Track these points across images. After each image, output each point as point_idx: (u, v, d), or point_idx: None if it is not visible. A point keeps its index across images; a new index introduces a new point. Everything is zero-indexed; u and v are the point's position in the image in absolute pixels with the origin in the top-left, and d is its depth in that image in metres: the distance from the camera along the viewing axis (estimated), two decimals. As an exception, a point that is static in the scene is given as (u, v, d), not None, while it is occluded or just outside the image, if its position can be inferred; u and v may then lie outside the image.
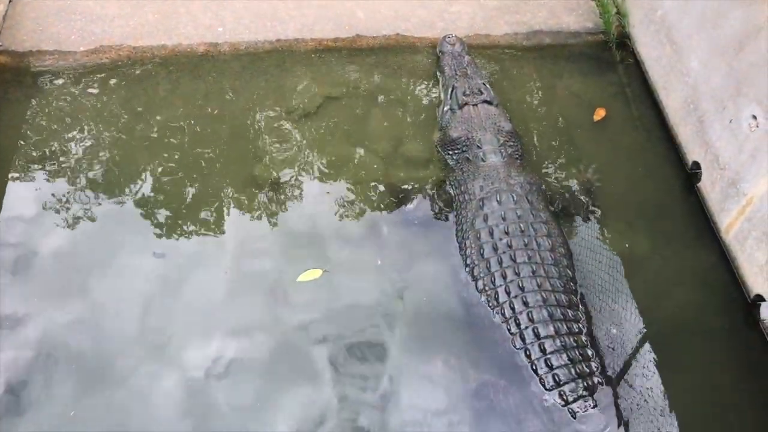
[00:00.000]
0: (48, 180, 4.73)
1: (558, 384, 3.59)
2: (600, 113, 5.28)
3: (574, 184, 4.88)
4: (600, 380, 3.67)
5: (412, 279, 4.30)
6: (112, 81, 5.35)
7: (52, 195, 4.64)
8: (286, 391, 3.82)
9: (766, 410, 3.83)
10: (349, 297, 4.22)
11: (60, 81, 5.30)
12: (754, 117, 4.08)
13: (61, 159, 4.86)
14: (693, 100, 4.77)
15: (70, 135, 5.01)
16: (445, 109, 5.10)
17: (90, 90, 5.28)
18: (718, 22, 4.47)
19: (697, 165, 4.72)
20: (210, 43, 5.59)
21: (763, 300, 4.01)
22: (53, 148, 4.91)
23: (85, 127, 5.06)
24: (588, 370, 3.66)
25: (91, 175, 4.77)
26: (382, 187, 4.80)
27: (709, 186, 4.58)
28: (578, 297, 4.05)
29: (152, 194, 4.70)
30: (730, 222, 4.33)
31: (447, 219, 4.57)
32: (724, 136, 4.39)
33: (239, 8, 5.82)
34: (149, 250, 4.37)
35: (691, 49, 4.81)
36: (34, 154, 4.88)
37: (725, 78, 4.39)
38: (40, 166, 4.80)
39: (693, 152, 4.78)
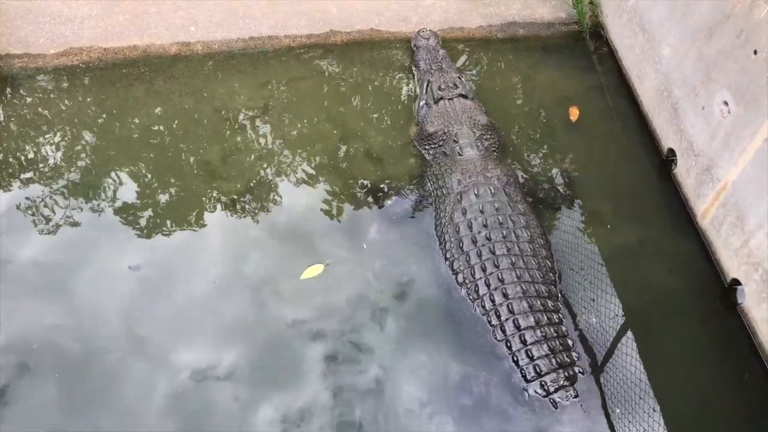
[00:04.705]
0: (20, 185, 4.66)
1: (539, 374, 3.61)
2: (574, 113, 5.29)
3: (551, 174, 4.89)
4: (581, 370, 3.69)
5: (394, 276, 4.29)
6: (83, 84, 5.28)
7: (26, 199, 4.57)
8: (275, 388, 3.81)
9: (744, 391, 3.88)
10: (335, 293, 4.21)
11: (30, 84, 5.22)
12: (726, 103, 4.12)
13: (32, 163, 4.79)
14: (666, 87, 4.80)
15: (40, 139, 4.94)
16: (421, 103, 5.10)
17: (61, 93, 5.21)
18: (688, 9, 4.50)
19: (672, 152, 4.76)
20: (182, 42, 5.53)
21: (740, 284, 4.05)
22: (24, 153, 4.84)
23: (56, 131, 4.99)
24: (569, 360, 3.68)
25: (63, 179, 4.70)
26: (359, 184, 4.78)
27: (684, 172, 4.62)
28: (557, 287, 4.06)
29: (132, 199, 4.64)
30: (705, 208, 4.37)
31: (426, 213, 4.56)
32: (698, 122, 4.42)
33: (211, 6, 5.77)
34: (127, 260, 4.29)
35: (662, 36, 4.84)
36: (5, 158, 4.80)
37: (696, 65, 4.42)
38: (10, 171, 4.72)
39: (668, 139, 4.82)
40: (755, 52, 3.84)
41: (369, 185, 4.76)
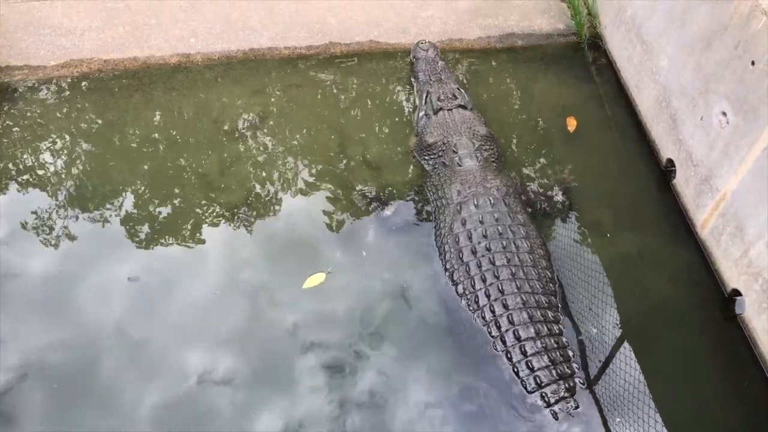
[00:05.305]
0: (20, 196, 4.67)
1: (539, 386, 3.59)
2: (572, 123, 5.31)
3: (550, 184, 4.90)
4: (581, 381, 3.68)
5: (393, 286, 4.29)
6: (84, 95, 5.30)
7: (25, 211, 4.57)
8: (275, 398, 3.81)
9: (745, 402, 3.86)
10: (334, 302, 4.20)
11: (30, 96, 5.24)
12: (724, 113, 4.13)
13: (32, 174, 4.80)
14: (664, 98, 4.82)
15: (40, 150, 4.95)
16: (421, 114, 5.12)
17: (61, 105, 5.23)
18: (685, 20, 4.52)
19: (671, 162, 4.77)
20: (182, 54, 5.56)
21: (740, 294, 4.04)
22: (23, 164, 4.85)
23: (57, 143, 5.01)
24: (569, 371, 3.66)
25: (63, 190, 4.71)
26: (359, 194, 4.78)
27: (683, 183, 4.63)
28: (558, 297, 4.06)
29: (132, 210, 4.64)
30: (705, 218, 4.37)
31: (425, 224, 4.56)
32: (696, 133, 4.43)
33: (211, 18, 5.79)
34: (127, 271, 4.28)
35: (660, 47, 4.86)
36: (5, 169, 4.80)
37: (694, 75, 4.44)
38: (11, 182, 4.73)
39: (667, 150, 4.83)
40: (753, 63, 3.85)
41: (369, 195, 4.76)
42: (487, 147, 4.79)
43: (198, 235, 4.53)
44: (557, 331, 3.81)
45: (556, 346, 3.72)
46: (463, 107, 5.03)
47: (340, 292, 4.25)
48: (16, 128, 5.06)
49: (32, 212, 4.58)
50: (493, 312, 3.83)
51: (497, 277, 3.93)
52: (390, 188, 4.83)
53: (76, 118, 5.16)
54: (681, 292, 4.34)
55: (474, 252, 4.07)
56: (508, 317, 3.78)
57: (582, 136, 5.27)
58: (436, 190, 4.58)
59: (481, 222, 4.18)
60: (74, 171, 4.84)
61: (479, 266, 4.01)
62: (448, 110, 4.97)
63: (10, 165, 4.85)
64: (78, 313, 4.07)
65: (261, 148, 5.08)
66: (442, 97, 5.04)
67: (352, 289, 4.27)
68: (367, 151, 5.07)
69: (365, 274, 4.34)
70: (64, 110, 5.21)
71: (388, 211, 4.66)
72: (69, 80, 5.37)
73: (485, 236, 4.11)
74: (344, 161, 5.01)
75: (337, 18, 5.91)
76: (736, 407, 3.86)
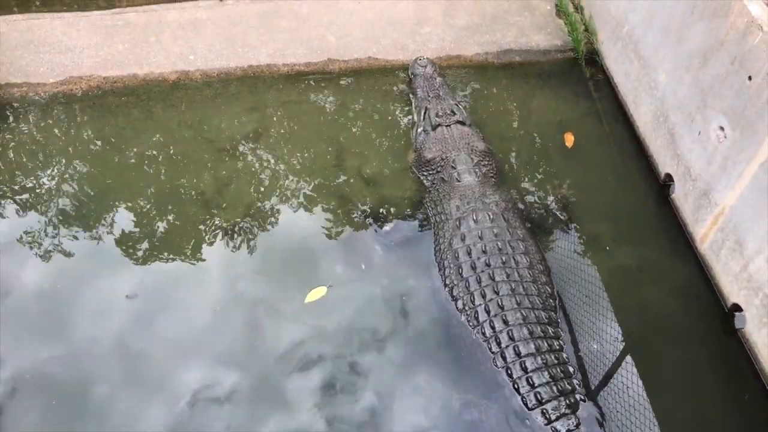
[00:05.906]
0: (18, 214, 4.66)
1: (540, 402, 3.57)
2: (570, 138, 5.33)
3: (549, 200, 4.90)
4: (582, 397, 3.66)
5: (392, 301, 4.28)
6: (83, 112, 5.31)
7: (23, 228, 4.57)
8: (275, 414, 3.79)
9: (746, 416, 3.85)
10: (333, 317, 4.19)
11: (30, 113, 5.25)
12: (722, 128, 4.14)
13: (31, 191, 4.79)
14: (662, 113, 4.84)
15: (39, 168, 4.95)
16: (419, 130, 5.13)
17: (60, 122, 5.24)
18: (681, 36, 4.55)
19: (669, 177, 4.78)
20: (181, 71, 5.58)
21: (740, 309, 4.03)
22: (22, 181, 4.84)
23: (55, 160, 5.01)
24: (570, 387, 3.64)
25: (61, 207, 4.70)
26: (358, 209, 4.78)
27: (682, 197, 4.63)
28: (558, 313, 4.04)
29: (130, 228, 4.64)
30: (704, 232, 4.37)
31: (424, 239, 4.56)
32: (694, 147, 4.44)
33: (210, 35, 5.82)
34: (125, 289, 4.27)
35: (658, 62, 4.89)
36: (4, 186, 4.80)
37: (692, 90, 4.46)
38: (9, 199, 4.72)
39: (665, 164, 4.84)
40: (750, 78, 3.87)
41: (368, 211, 4.77)
42: (486, 162, 4.80)
43: (197, 251, 4.52)
44: (557, 347, 3.79)
45: (556, 362, 3.71)
46: (462, 123, 5.05)
47: (340, 306, 4.24)
48: (15, 145, 5.06)
49: (30, 229, 4.57)
50: (493, 328, 3.82)
51: (497, 293, 3.92)
52: (389, 204, 4.83)
53: (75, 135, 5.17)
54: (681, 306, 4.33)
55: (473, 267, 4.06)
56: (508, 333, 3.77)
57: (580, 151, 5.29)
58: (435, 206, 4.58)
59: (481, 237, 4.18)
60: (72, 188, 4.84)
61: (479, 282, 4.00)
62: (446, 126, 4.99)
63: (9, 181, 4.84)
64: (76, 330, 4.05)
65: (259, 165, 5.09)
66: (440, 113, 5.06)
67: (353, 303, 4.26)
68: (366, 167, 5.07)
69: (365, 290, 4.33)
70: (63, 127, 5.22)
71: (387, 227, 4.65)
72: (68, 97, 5.38)
73: (484, 251, 4.11)
74: (343, 177, 5.01)
75: (336, 35, 5.94)
76: (737, 421, 3.85)
